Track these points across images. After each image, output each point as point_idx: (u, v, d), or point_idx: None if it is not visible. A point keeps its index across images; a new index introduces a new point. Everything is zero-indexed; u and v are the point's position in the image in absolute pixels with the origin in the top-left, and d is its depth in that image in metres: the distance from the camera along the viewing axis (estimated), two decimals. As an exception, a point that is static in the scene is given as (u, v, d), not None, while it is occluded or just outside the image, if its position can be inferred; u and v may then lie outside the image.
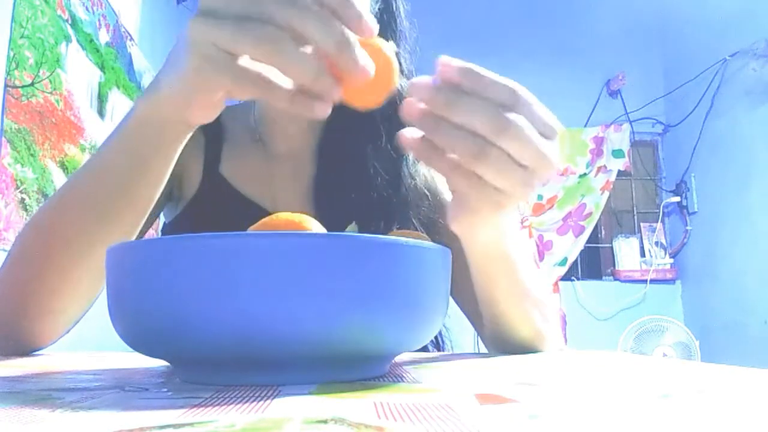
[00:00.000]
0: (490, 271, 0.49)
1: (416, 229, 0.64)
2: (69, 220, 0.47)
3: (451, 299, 0.60)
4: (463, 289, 0.57)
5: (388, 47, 0.36)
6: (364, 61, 0.33)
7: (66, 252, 0.47)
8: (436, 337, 0.71)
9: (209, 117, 0.41)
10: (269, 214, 0.65)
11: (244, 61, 0.34)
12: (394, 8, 0.69)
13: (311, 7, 0.32)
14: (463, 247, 0.47)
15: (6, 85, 1.50)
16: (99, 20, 2.05)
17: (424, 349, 0.68)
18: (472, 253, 0.47)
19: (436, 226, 0.65)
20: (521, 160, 0.36)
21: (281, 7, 0.32)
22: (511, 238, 0.47)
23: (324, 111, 0.35)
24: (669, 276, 3.72)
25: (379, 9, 0.67)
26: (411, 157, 0.67)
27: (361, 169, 0.66)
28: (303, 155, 0.69)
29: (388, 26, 0.68)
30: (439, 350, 0.71)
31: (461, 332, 0.72)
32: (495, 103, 0.35)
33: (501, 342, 0.55)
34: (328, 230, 0.36)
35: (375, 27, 0.34)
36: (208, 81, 0.36)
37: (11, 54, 1.52)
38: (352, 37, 0.33)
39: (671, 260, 3.75)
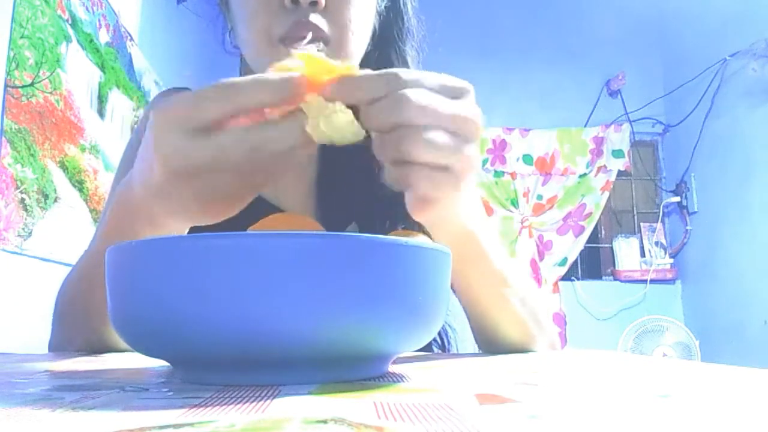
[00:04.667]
0: (462, 252, 0.46)
1: (421, 229, 0.63)
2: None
3: (454, 297, 0.60)
4: None
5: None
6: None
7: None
8: (441, 339, 0.70)
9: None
10: (275, 207, 0.64)
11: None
12: (401, 5, 0.65)
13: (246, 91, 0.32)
14: (434, 238, 0.45)
15: (6, 85, 1.50)
16: (99, 20, 2.05)
17: (429, 349, 0.68)
18: (441, 241, 0.45)
19: None
20: (447, 127, 0.34)
21: (228, 102, 0.33)
22: (476, 220, 0.47)
23: (311, 147, 0.35)
24: (669, 276, 3.72)
25: (385, 6, 0.64)
26: None
27: (366, 167, 0.65)
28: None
29: (394, 23, 0.65)
30: (444, 352, 0.70)
31: (462, 332, 0.72)
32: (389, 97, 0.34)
33: (486, 339, 0.55)
34: (331, 229, 0.36)
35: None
36: (229, 206, 0.37)
37: (11, 54, 1.52)
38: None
39: (671, 260, 3.75)
